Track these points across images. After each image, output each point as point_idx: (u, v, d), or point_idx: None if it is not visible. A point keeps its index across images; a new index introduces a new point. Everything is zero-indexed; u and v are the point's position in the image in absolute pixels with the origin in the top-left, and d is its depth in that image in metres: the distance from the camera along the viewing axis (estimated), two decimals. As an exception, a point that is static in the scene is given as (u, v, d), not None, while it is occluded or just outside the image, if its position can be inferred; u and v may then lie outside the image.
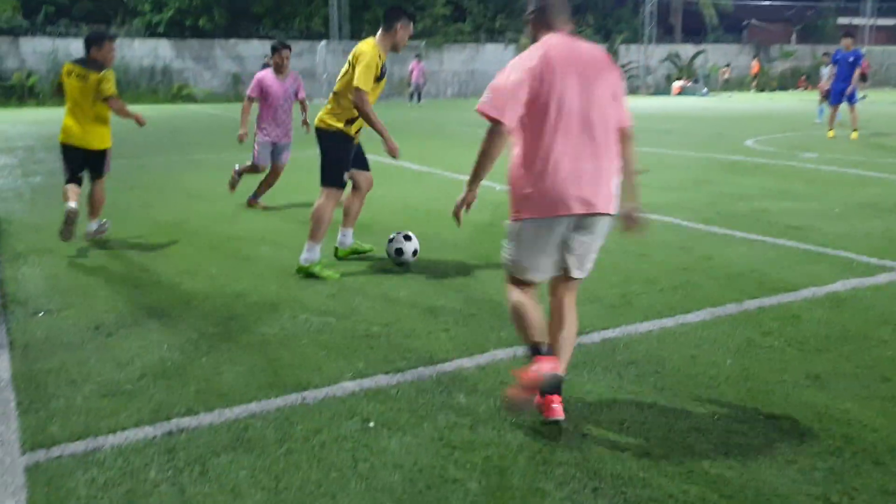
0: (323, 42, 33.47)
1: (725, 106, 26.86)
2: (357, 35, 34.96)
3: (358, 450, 2.94)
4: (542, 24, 3.12)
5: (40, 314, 4.53)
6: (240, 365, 3.77)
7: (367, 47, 5.16)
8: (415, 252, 5.50)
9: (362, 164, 5.85)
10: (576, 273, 3.22)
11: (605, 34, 40.56)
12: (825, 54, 18.43)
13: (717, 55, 41.74)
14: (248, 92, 8.05)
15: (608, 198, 3.15)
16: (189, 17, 32.41)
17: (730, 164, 11.04)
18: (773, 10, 45.78)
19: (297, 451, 2.93)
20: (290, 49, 8.10)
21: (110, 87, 6.04)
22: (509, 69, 3.02)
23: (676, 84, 37.12)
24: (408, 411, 3.24)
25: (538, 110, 2.98)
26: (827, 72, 16.90)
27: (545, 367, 2.88)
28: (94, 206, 6.34)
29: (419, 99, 29.46)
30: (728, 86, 39.88)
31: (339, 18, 34.08)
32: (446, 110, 26.53)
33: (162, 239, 6.54)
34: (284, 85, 7.89)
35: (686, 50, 41.40)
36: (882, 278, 5.04)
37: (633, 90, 39.27)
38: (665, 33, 43.27)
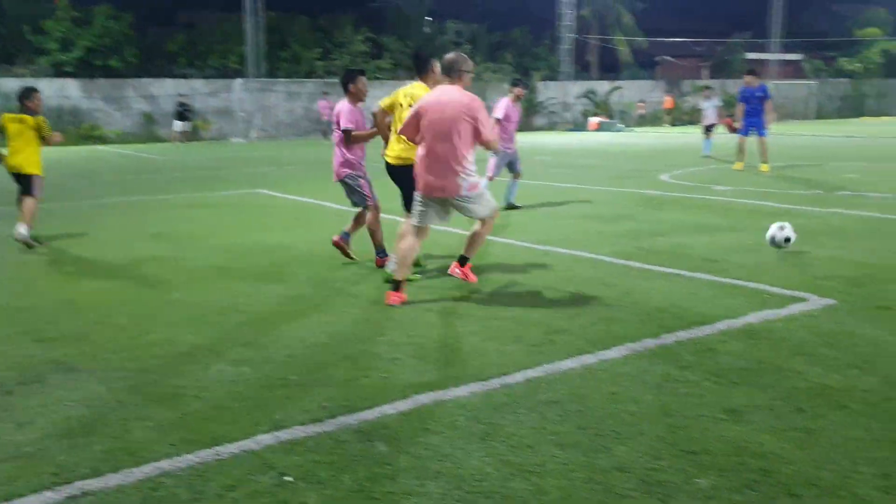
0: (239, 80, 33.15)
1: (641, 141, 27.71)
2: (273, 73, 34.81)
3: (274, 507, 2.82)
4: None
5: (-68, 373, 4.24)
6: (150, 420, 3.59)
7: (424, 90, 6.09)
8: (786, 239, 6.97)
9: None
10: None
11: (523, 71, 41.48)
12: (707, 87, 19.16)
13: (632, 91, 43.13)
14: (344, 126, 6.66)
15: None
16: (98, 56, 31.60)
17: (647, 198, 11.34)
18: (684, 46, 47.68)
19: (209, 511, 2.79)
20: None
21: (48, 130, 8.20)
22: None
23: (593, 120, 38.13)
24: (326, 463, 3.14)
25: None
26: (709, 105, 17.56)
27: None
28: (25, 213, 7.94)
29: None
30: (643, 121, 41.20)
31: (255, 56, 33.83)
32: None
33: (68, 288, 6.26)
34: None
35: (602, 86, 42.67)
36: (794, 309, 5.21)
37: (551, 126, 40.23)
38: (582, 70, 44.53)
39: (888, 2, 53.07)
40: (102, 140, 29.37)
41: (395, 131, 6.26)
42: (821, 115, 47.17)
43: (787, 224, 7.07)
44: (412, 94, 6.24)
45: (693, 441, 3.25)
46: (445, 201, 5.61)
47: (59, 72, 30.90)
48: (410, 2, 42.27)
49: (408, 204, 6.21)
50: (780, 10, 44.94)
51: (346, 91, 6.69)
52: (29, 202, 8.06)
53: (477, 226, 5.88)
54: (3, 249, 7.99)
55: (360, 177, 6.78)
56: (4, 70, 29.76)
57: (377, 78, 37.24)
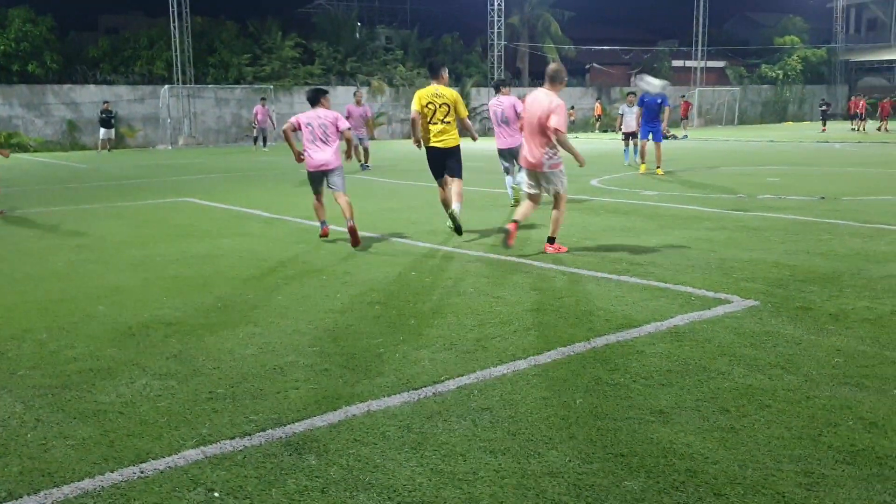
0: (166, 87, 32.43)
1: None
2: (201, 79, 34.14)
3: (201, 525, 2.74)
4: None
5: None
6: (71, 439, 3.46)
7: (452, 90, 8.59)
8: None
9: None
10: None
11: (456, 78, 41.69)
12: (631, 94, 19.81)
13: (563, 98, 43.75)
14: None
15: None
16: (16, 61, 30.48)
17: (577, 203, 11.50)
18: (612, 54, 48.69)
19: (132, 533, 2.70)
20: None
21: None
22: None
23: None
24: (255, 477, 3.08)
25: None
26: (629, 112, 18.22)
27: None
28: None
29: (265, 143, 28.95)
30: (573, 127, 41.90)
31: (182, 62, 33.15)
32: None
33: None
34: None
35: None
36: (719, 311, 5.35)
37: (484, 132, 40.49)
38: (514, 77, 45.01)
39: (803, 10, 55.34)
40: (22, 148, 28.33)
41: (428, 123, 8.44)
42: (744, 120, 48.84)
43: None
44: (437, 93, 8.43)
45: (622, 443, 3.30)
46: (537, 174, 7.60)
47: (-28, 77, 29.72)
48: (340, 7, 42.09)
49: (434, 173, 8.69)
50: (703, 20, 46.40)
51: (318, 104, 8.54)
52: None
53: (554, 211, 7.69)
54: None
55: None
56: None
57: (308, 83, 36.95)
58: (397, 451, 3.27)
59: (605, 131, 41.01)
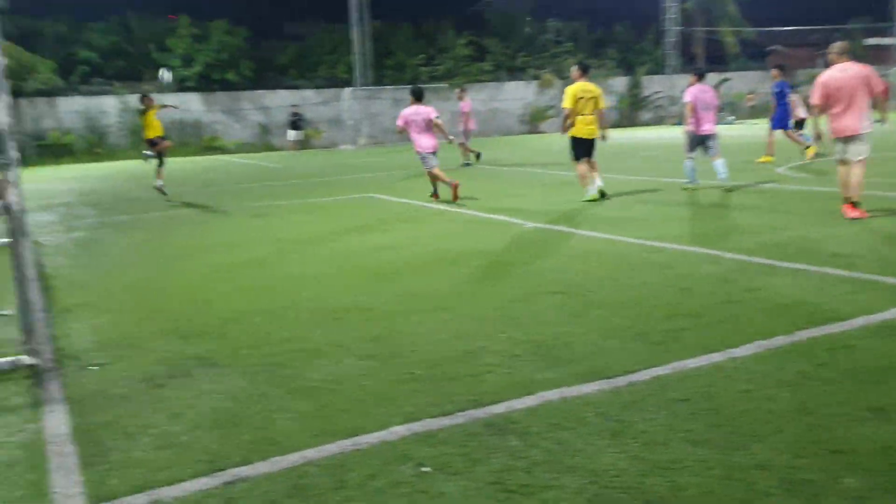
0: (347, 89, 34.01)
1: (753, 133, 26.72)
2: (380, 82, 35.55)
3: (414, 495, 2.92)
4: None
5: (92, 368, 4.60)
6: (290, 412, 3.78)
7: (597, 87, 10.87)
8: None
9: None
10: None
11: (627, 67, 40.76)
12: (795, 87, 18.70)
13: (742, 83, 41.69)
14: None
15: None
16: (217, 70, 33.13)
17: (764, 192, 10.97)
18: (796, 35, 45.69)
19: (354, 498, 2.92)
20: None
21: None
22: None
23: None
24: (460, 455, 3.23)
25: None
26: (797, 99, 17.19)
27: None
28: None
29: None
30: (754, 112, 39.75)
31: (362, 65, 34.64)
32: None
33: (204, 290, 6.62)
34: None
35: (710, 79, 41.40)
36: (934, 304, 4.95)
37: (658, 121, 39.33)
38: (688, 63, 43.37)
39: None
40: (222, 150, 30.78)
41: (579, 115, 10.61)
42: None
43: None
44: (585, 89, 10.64)
45: (837, 440, 3.15)
46: (850, 139, 8.26)
47: (181, 87, 32.60)
48: (511, 3, 42.24)
49: (579, 156, 10.89)
50: (903, -8, 42.46)
51: (420, 100, 11.74)
52: None
53: (854, 171, 8.27)
54: (143, 254, 8.54)
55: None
56: (133, 87, 31.62)
57: (479, 81, 37.48)
58: (597, 437, 3.31)
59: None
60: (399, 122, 11.94)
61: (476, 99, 37.48)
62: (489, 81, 38.00)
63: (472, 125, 19.95)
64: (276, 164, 23.90)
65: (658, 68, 41.17)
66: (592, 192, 10.92)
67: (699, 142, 11.68)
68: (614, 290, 5.83)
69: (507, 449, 3.26)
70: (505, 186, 13.90)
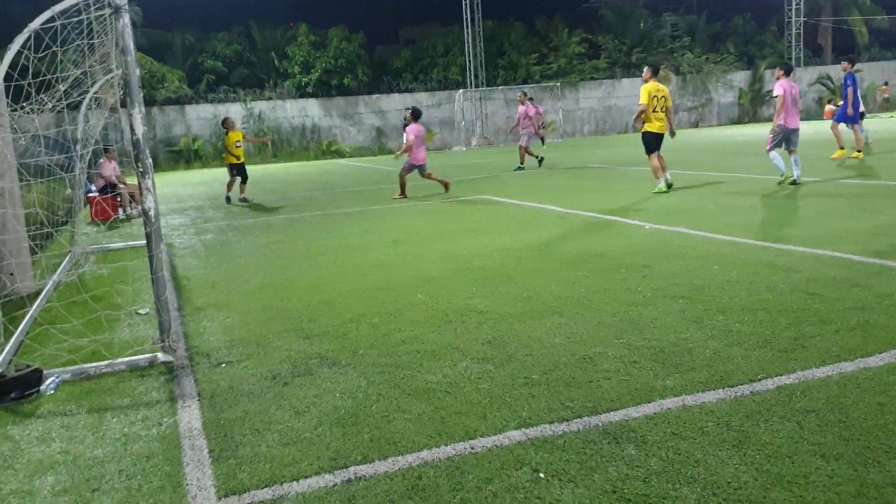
0: (460, 91, 34.31)
1: (887, 127, 25.17)
2: (492, 83, 35.68)
3: (530, 500, 2.94)
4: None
5: (222, 365, 4.86)
6: (408, 413, 3.88)
7: (666, 88, 12.00)
8: None
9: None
10: None
11: (747, 61, 39.24)
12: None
13: (874, 74, 39.35)
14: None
15: None
16: (335, 76, 34.17)
17: (872, 188, 10.33)
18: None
19: (471, 500, 2.97)
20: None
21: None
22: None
23: (828, 108, 35.19)
24: (576, 462, 3.22)
25: None
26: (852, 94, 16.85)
27: None
28: None
29: (542, 141, 29.66)
30: (889, 105, 37.41)
31: (474, 66, 34.85)
32: (582, 149, 26.39)
33: (325, 290, 6.86)
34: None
35: (838, 71, 39.28)
36: None
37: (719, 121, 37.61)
38: (813, 55, 41.31)
39: None
40: (340, 154, 31.71)
41: (653, 112, 11.97)
42: None
43: None
44: (658, 88, 11.97)
45: (982, 459, 2.96)
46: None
47: (301, 93, 33.82)
48: (626, -1, 41.46)
49: (651, 150, 12.13)
50: None
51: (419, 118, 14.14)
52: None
53: None
54: (268, 256, 8.92)
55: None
56: (257, 94, 33.05)
57: (593, 78, 37.00)
58: (718, 448, 3.23)
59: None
60: (410, 138, 14.02)
61: (591, 97, 37.11)
62: (604, 79, 37.45)
63: (534, 130, 20.08)
64: (391, 166, 24.39)
65: (781, 62, 39.40)
66: (661, 185, 12.16)
67: (786, 137, 11.94)
68: (737, 295, 5.65)
69: (624, 457, 3.23)
70: (619, 185, 13.67)
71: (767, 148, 12.09)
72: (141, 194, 4.86)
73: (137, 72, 4.90)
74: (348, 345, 5.11)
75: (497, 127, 35.37)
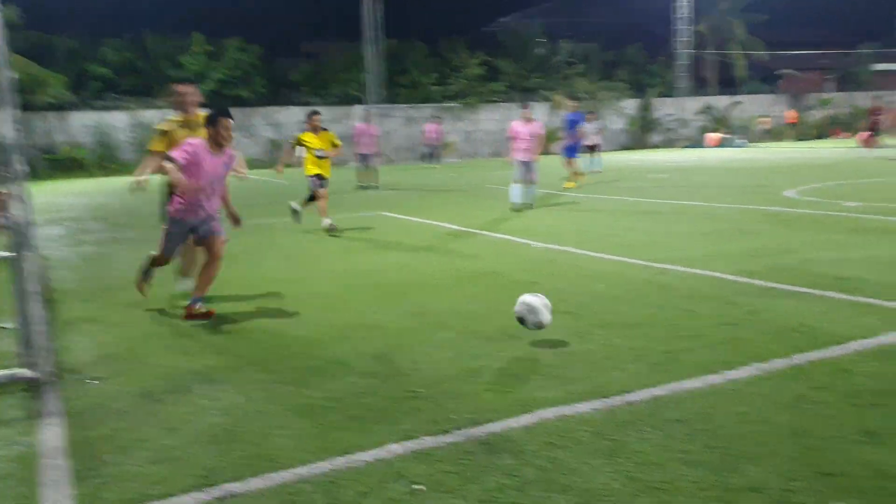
0: (358, 106, 34.23)
1: (764, 157, 26.73)
2: (393, 99, 35.76)
3: (406, 513, 2.92)
4: None
5: (92, 382, 4.62)
6: (287, 429, 3.79)
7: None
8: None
9: None
10: None
11: (638, 88, 40.85)
12: (590, 112, 21.93)
13: (753, 106, 41.73)
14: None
15: None
16: (229, 87, 33.45)
17: (771, 215, 10.95)
18: (807, 59, 45.78)
19: (345, 515, 2.93)
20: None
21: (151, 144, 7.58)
22: None
23: (712, 136, 37.11)
24: (455, 473, 3.23)
25: None
26: (591, 127, 20.41)
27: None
28: None
29: (438, 160, 30.23)
30: (766, 136, 39.74)
31: (375, 83, 34.88)
32: (481, 170, 26.80)
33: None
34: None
35: (721, 101, 41.49)
36: (936, 329, 4.92)
37: (669, 143, 39.35)
38: (699, 86, 43.46)
39: None
40: (231, 167, 30.98)
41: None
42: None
43: (536, 304, 5.04)
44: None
45: (830, 463, 3.14)
46: None
47: (192, 104, 32.86)
48: (524, 24, 42.51)
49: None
50: (915, 17, 42.49)
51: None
52: None
53: None
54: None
55: None
56: (147, 103, 31.94)
57: (492, 101, 37.65)
58: (591, 457, 3.31)
59: (800, 139, 38.59)
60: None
61: (490, 119, 37.70)
62: (502, 102, 38.16)
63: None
64: (286, 181, 24.00)
65: (669, 91, 41.27)
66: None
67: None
68: (620, 311, 5.83)
69: (501, 467, 3.25)
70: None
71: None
72: (7, 202, 4.59)
73: (12, 74, 4.63)
74: (229, 361, 4.96)
75: (397, 144, 35.45)
